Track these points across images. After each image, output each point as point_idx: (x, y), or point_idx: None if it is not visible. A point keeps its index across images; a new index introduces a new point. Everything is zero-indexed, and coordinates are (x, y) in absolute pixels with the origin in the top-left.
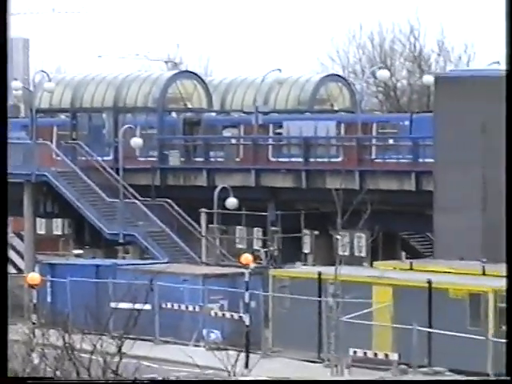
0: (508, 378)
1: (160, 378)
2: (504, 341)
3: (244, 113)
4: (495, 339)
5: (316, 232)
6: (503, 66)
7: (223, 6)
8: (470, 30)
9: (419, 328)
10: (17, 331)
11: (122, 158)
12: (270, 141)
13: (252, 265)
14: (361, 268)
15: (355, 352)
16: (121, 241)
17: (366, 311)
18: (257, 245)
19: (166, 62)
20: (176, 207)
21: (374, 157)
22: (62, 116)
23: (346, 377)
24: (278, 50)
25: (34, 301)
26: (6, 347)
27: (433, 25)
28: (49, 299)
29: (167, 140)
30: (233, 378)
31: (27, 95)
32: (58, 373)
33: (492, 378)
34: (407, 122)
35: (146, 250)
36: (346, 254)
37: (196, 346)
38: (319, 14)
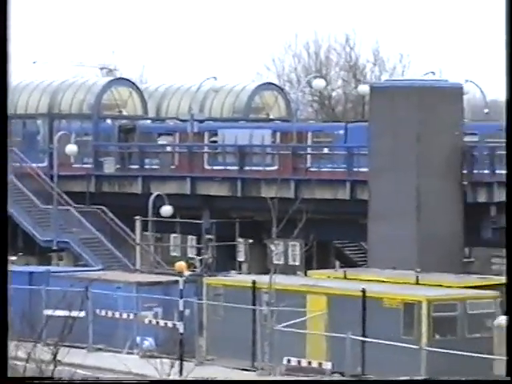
0: (508, 378)
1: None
2: (437, 350)
3: (179, 120)
4: (428, 348)
5: (250, 240)
6: (438, 76)
7: (158, 13)
8: (404, 41)
9: (353, 337)
10: None
11: (57, 165)
12: (206, 149)
13: (186, 273)
14: (295, 277)
15: (289, 360)
16: (54, 248)
17: (300, 320)
18: (191, 253)
19: (100, 69)
20: (110, 214)
21: (309, 165)
22: None
23: None
24: (214, 58)
25: None
26: (6, 347)
27: (368, 35)
28: None
29: (102, 147)
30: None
31: None
32: None
33: (492, 378)
34: (342, 131)
35: (79, 257)
36: (281, 262)
37: (130, 353)
38: (255, 23)
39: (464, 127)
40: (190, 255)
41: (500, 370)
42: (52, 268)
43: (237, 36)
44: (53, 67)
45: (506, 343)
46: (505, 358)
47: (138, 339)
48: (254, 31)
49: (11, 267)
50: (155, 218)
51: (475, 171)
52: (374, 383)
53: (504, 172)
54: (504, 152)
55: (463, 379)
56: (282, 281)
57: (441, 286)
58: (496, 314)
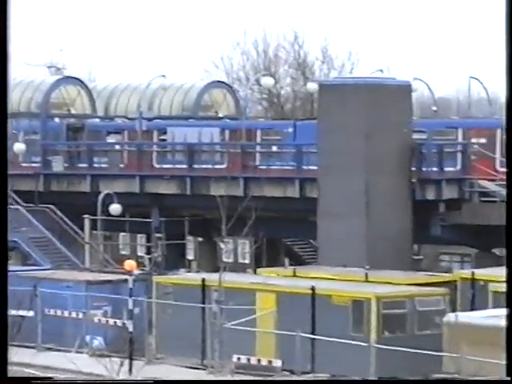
0: (508, 378)
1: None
2: (386, 347)
3: (128, 119)
4: (377, 345)
5: (200, 239)
6: (386, 74)
7: (106, 11)
8: (353, 38)
9: (302, 334)
10: None
11: None
12: (155, 147)
13: (136, 271)
14: (245, 275)
15: (239, 358)
16: None
17: (249, 318)
18: (141, 251)
19: (48, 67)
20: (59, 213)
21: (258, 163)
22: None
23: None
24: (163, 56)
25: None
26: (7, 347)
27: (317, 32)
28: None
29: (50, 145)
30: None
31: None
32: None
33: (492, 378)
34: (291, 129)
35: (28, 256)
36: (230, 260)
37: (79, 352)
38: (204, 20)
39: (412, 124)
40: (139, 254)
41: (449, 368)
42: None
43: (185, 34)
44: None
45: (505, 343)
46: (454, 355)
47: (88, 338)
48: (202, 29)
49: None
50: (104, 217)
51: (424, 169)
52: (374, 383)
53: (452, 169)
54: (452, 150)
55: (463, 379)
56: (231, 279)
57: (390, 283)
58: (445, 311)
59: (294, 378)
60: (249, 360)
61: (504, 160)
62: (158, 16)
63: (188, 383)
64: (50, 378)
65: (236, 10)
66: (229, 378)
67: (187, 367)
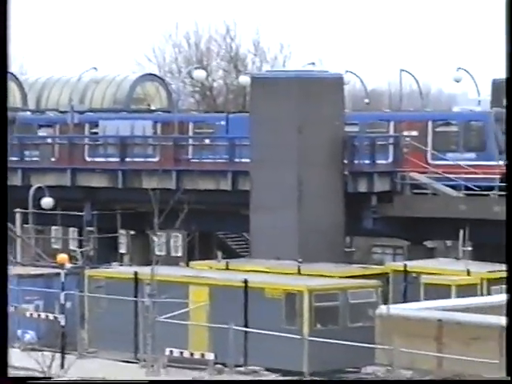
0: (508, 378)
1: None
2: (319, 340)
3: (59, 112)
4: (310, 338)
5: (132, 232)
6: (319, 67)
7: (37, 3)
8: (285, 31)
9: (235, 327)
10: None
11: None
12: (86, 140)
13: (68, 265)
14: (177, 268)
15: (171, 352)
16: None
17: (182, 311)
18: (73, 245)
19: None
20: None
21: (190, 156)
22: None
23: (163, 377)
24: (94, 48)
25: None
26: (7, 347)
27: (249, 25)
28: None
29: None
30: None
31: None
32: None
33: (492, 378)
34: (223, 122)
35: None
36: (163, 253)
37: (11, 347)
38: (135, 12)
39: (345, 117)
40: (71, 247)
41: (381, 359)
42: None
43: (117, 26)
44: None
45: (506, 343)
46: (386, 347)
47: (19, 332)
48: (134, 21)
49: None
50: (36, 211)
51: (356, 161)
52: (374, 383)
53: (384, 162)
54: (384, 142)
55: (463, 379)
56: (164, 272)
57: (322, 275)
58: (377, 303)
59: (289, 378)
60: (182, 353)
61: (435, 153)
62: (89, 8)
63: (186, 383)
64: (48, 378)
65: (167, 2)
66: (162, 371)
67: (120, 361)
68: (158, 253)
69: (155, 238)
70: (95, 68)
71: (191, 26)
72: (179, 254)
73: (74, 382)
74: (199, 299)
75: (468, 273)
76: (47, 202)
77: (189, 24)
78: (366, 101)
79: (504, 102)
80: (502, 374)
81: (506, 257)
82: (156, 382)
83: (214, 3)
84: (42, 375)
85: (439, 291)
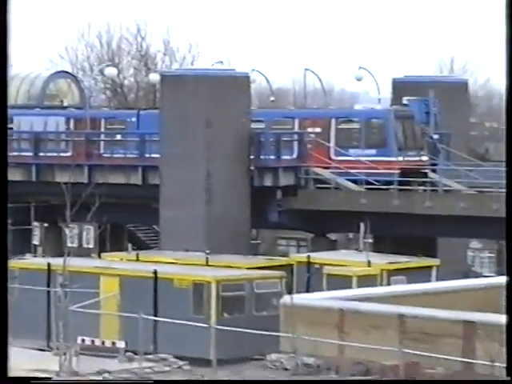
0: (508, 378)
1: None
2: (226, 328)
3: None
4: (217, 326)
5: (46, 224)
6: (226, 66)
7: None
8: (194, 31)
9: (145, 317)
10: None
11: None
12: None
13: None
14: (89, 259)
15: (83, 340)
16: None
17: (93, 300)
18: None
19: None
20: None
21: (102, 151)
22: None
23: (74, 364)
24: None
25: None
26: (7, 347)
27: (159, 25)
28: None
29: None
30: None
31: None
32: None
33: (492, 378)
34: (134, 118)
35: None
36: (75, 245)
37: None
38: (48, 11)
39: (251, 114)
40: None
41: (285, 347)
42: None
43: (29, 24)
44: None
45: (506, 343)
46: (290, 335)
47: None
48: (47, 19)
49: None
50: None
51: (262, 157)
52: (375, 383)
53: (289, 157)
54: (289, 139)
55: (463, 380)
56: (76, 263)
57: (229, 266)
58: (282, 293)
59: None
60: (93, 342)
61: (337, 149)
62: None
63: (188, 383)
64: (49, 378)
65: (80, 2)
66: (74, 359)
67: (33, 349)
68: (70, 244)
69: (67, 230)
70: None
71: (103, 25)
72: (91, 246)
73: (73, 382)
74: (110, 289)
75: (368, 264)
76: None
77: (101, 23)
78: (272, 99)
79: (404, 100)
80: (396, 362)
81: (506, 255)
82: (161, 382)
83: (125, 4)
84: None
85: (341, 281)
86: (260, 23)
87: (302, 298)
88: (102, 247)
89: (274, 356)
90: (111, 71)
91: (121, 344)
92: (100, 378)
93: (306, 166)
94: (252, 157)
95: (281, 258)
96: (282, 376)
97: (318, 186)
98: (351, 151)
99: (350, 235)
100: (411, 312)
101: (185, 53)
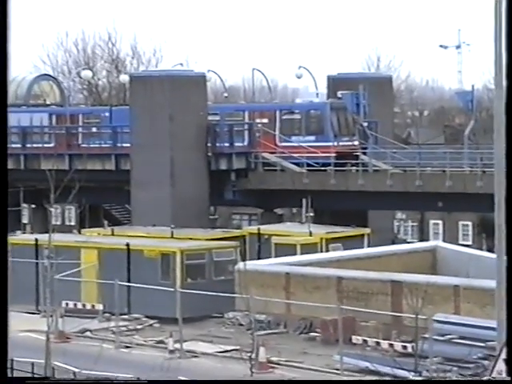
0: (508, 378)
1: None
2: (189, 291)
3: None
4: (182, 290)
5: (33, 206)
6: (185, 67)
7: None
8: (157, 37)
9: (120, 283)
10: None
11: None
12: None
13: None
14: (71, 234)
15: (67, 304)
16: None
17: (75, 270)
18: None
19: None
20: None
21: (80, 142)
22: None
23: (60, 324)
24: None
25: None
26: (7, 347)
27: (127, 33)
28: None
29: None
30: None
31: None
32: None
33: (492, 378)
34: (108, 114)
35: None
36: (59, 223)
37: None
38: (30, 22)
39: (208, 108)
40: None
41: (240, 306)
42: None
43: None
44: None
45: (506, 342)
46: (244, 296)
47: None
48: (30, 30)
49: None
50: None
51: (218, 144)
52: (375, 383)
53: (241, 144)
54: (240, 128)
55: (463, 380)
56: (59, 238)
57: (191, 239)
58: (236, 260)
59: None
60: (75, 305)
61: (282, 136)
62: None
63: (189, 383)
64: (46, 377)
65: (58, 13)
66: (59, 320)
67: (24, 312)
68: (54, 222)
69: (52, 211)
70: None
71: (79, 34)
72: (72, 223)
73: (73, 382)
74: (89, 260)
75: (310, 234)
76: None
77: (77, 32)
78: (225, 95)
79: (338, 94)
80: (335, 317)
81: (506, 257)
82: (156, 382)
83: (97, 14)
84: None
85: (287, 249)
86: (214, 29)
87: (253, 264)
88: (81, 224)
89: (230, 314)
90: (87, 73)
91: (99, 307)
92: (82, 335)
93: (256, 152)
94: (209, 144)
95: (235, 230)
96: (237, 331)
97: (266, 168)
98: (294, 138)
99: (294, 210)
100: (347, 274)
101: (150, 56)
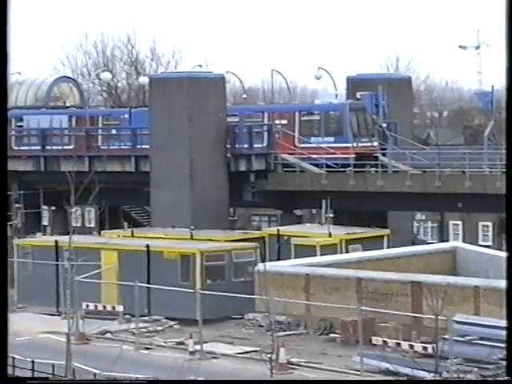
0: (508, 378)
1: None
2: (209, 293)
3: None
4: (202, 291)
5: (53, 207)
6: (205, 69)
7: None
8: (176, 39)
9: (140, 284)
10: None
11: None
12: (13, 132)
13: None
14: (91, 236)
15: (87, 305)
16: None
17: (95, 272)
18: None
19: None
20: None
21: (100, 144)
22: None
23: (80, 325)
24: (17, 56)
25: None
26: (6, 348)
27: (146, 35)
28: None
29: None
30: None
31: None
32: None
33: (492, 378)
34: (127, 115)
35: None
36: (79, 224)
37: None
38: (50, 25)
39: (227, 110)
40: None
41: (260, 308)
42: None
43: (35, 36)
44: None
45: (506, 344)
46: (264, 297)
47: None
48: (50, 32)
49: None
50: None
51: (237, 145)
52: (375, 383)
53: (260, 145)
54: (259, 130)
55: (463, 380)
56: (80, 240)
57: (211, 240)
58: (256, 261)
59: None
60: (96, 307)
61: (301, 137)
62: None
63: (190, 383)
64: (46, 378)
65: (78, 15)
66: (80, 322)
67: (45, 314)
68: (74, 224)
69: (72, 212)
70: (19, 72)
71: (98, 36)
72: (92, 225)
73: (73, 382)
74: (110, 262)
75: (329, 235)
76: None
77: (96, 34)
78: (244, 96)
79: (357, 95)
80: (355, 318)
81: (506, 252)
82: (155, 382)
83: (117, 16)
84: None
85: (306, 250)
86: (233, 30)
87: (273, 265)
88: (101, 226)
89: (250, 315)
90: (106, 75)
91: (119, 308)
92: (102, 337)
93: (275, 153)
94: (228, 146)
95: (255, 231)
96: (257, 332)
97: (286, 169)
98: (313, 139)
99: (314, 211)
100: (367, 275)
101: (169, 58)
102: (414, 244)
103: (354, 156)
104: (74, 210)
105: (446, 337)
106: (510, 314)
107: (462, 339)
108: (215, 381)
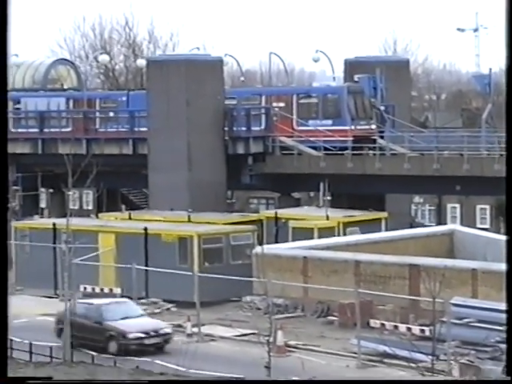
0: (508, 378)
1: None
2: (207, 275)
3: None
4: (200, 274)
5: (51, 190)
6: (202, 51)
7: None
8: (174, 21)
9: (138, 267)
10: None
11: None
12: (11, 114)
13: None
14: (88, 219)
15: (85, 288)
16: None
17: (93, 254)
18: None
19: None
20: None
21: (98, 127)
22: None
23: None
24: (14, 37)
25: None
26: (6, 347)
27: (144, 17)
28: None
29: None
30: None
31: None
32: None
33: (492, 378)
34: (125, 98)
35: None
36: (76, 207)
37: None
38: (47, 7)
39: (225, 92)
40: None
41: (258, 290)
42: None
43: (32, 18)
44: None
45: (506, 343)
46: (262, 280)
47: None
48: (47, 14)
49: None
50: None
51: (235, 128)
52: (375, 383)
53: (258, 128)
54: (257, 112)
55: (463, 380)
56: (77, 222)
57: (209, 223)
58: (254, 244)
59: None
60: (93, 289)
61: (299, 120)
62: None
63: (188, 383)
64: (49, 378)
65: None
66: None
67: (43, 296)
68: (72, 207)
69: (70, 195)
70: (16, 55)
71: (96, 18)
72: (90, 208)
73: (73, 382)
74: (107, 244)
75: (327, 218)
76: None
77: (94, 17)
78: (242, 79)
79: (355, 77)
80: (353, 300)
81: (506, 252)
82: (156, 382)
83: None
84: None
85: (304, 233)
86: (231, 13)
87: (271, 248)
88: (99, 208)
89: (248, 298)
90: (104, 58)
91: (117, 291)
92: None
93: (273, 136)
94: (226, 129)
95: (252, 214)
96: (255, 314)
97: (283, 152)
98: (311, 122)
99: (311, 194)
100: (364, 258)
101: (167, 40)
102: (411, 227)
103: (351, 139)
104: (71, 192)
105: (444, 319)
106: (510, 299)
107: (459, 322)
108: (215, 381)
